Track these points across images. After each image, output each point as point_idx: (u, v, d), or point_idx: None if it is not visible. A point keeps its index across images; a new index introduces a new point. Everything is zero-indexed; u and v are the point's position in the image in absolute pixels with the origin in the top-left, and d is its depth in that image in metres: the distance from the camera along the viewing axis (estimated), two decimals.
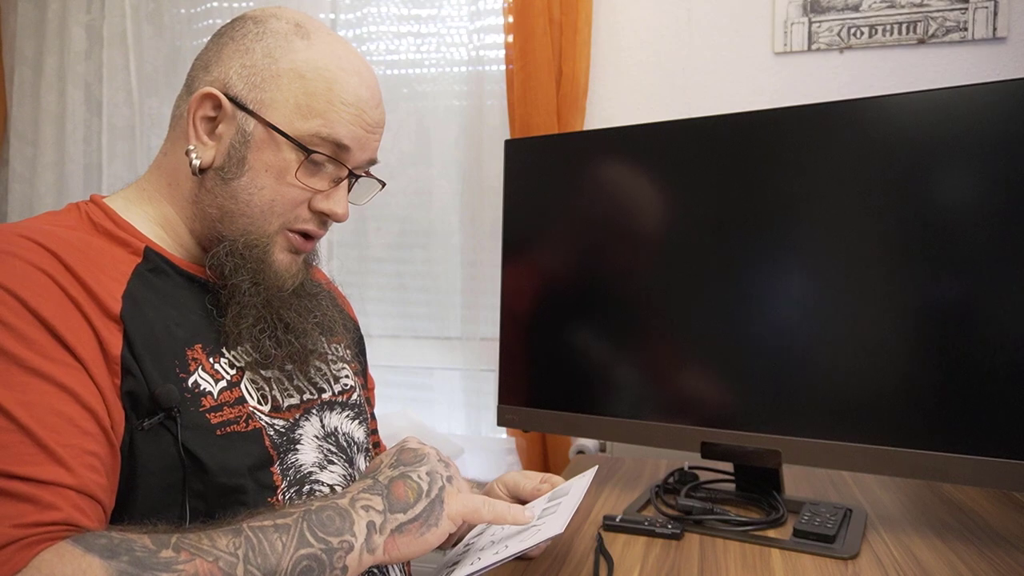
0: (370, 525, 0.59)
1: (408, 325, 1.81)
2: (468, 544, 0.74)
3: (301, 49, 0.68)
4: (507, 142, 1.13)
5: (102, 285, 0.60)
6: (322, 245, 0.77)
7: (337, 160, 0.70)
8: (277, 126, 0.67)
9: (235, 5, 1.86)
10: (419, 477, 0.64)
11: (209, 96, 0.68)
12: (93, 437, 0.55)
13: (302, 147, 0.68)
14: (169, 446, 0.60)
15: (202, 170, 0.69)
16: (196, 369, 0.64)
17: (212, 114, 0.68)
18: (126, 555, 0.49)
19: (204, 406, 0.63)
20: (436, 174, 1.74)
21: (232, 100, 0.68)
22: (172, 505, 0.60)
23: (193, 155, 0.68)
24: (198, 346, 0.65)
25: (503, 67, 1.64)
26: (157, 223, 0.71)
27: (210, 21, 1.87)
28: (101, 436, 0.55)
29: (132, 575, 0.48)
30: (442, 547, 0.77)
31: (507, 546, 0.65)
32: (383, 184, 0.79)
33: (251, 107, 0.67)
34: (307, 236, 0.73)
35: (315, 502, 0.59)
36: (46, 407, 0.53)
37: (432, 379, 1.82)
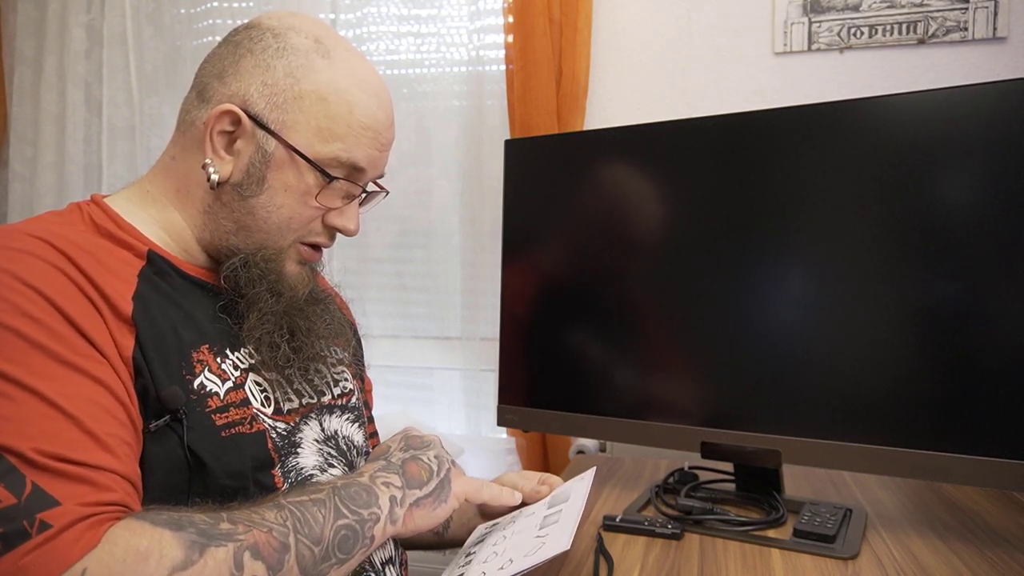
0: (392, 499, 0.64)
1: (408, 325, 1.81)
2: (470, 554, 0.74)
3: (322, 69, 0.69)
4: (507, 142, 1.13)
5: (112, 287, 0.60)
6: None
7: (350, 179, 0.72)
8: (299, 149, 0.68)
9: (235, 5, 1.86)
10: (429, 459, 0.70)
11: (228, 112, 0.68)
12: (127, 428, 0.56)
13: (324, 172, 0.69)
14: (175, 447, 0.60)
15: (219, 183, 0.69)
16: (202, 371, 0.64)
17: (230, 129, 0.68)
18: (191, 527, 0.51)
19: (210, 407, 0.63)
20: (436, 174, 1.74)
21: (252, 118, 0.68)
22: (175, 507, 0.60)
23: (211, 169, 0.68)
24: (204, 347, 0.66)
25: (503, 67, 1.63)
26: (160, 226, 0.70)
27: (210, 21, 1.86)
28: (132, 428, 0.57)
29: (201, 544, 0.50)
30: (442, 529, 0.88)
31: (512, 560, 0.65)
32: (387, 192, 0.80)
33: (273, 128, 0.68)
34: (315, 247, 0.75)
35: (339, 480, 0.64)
36: (85, 398, 0.54)
37: (432, 379, 1.82)
